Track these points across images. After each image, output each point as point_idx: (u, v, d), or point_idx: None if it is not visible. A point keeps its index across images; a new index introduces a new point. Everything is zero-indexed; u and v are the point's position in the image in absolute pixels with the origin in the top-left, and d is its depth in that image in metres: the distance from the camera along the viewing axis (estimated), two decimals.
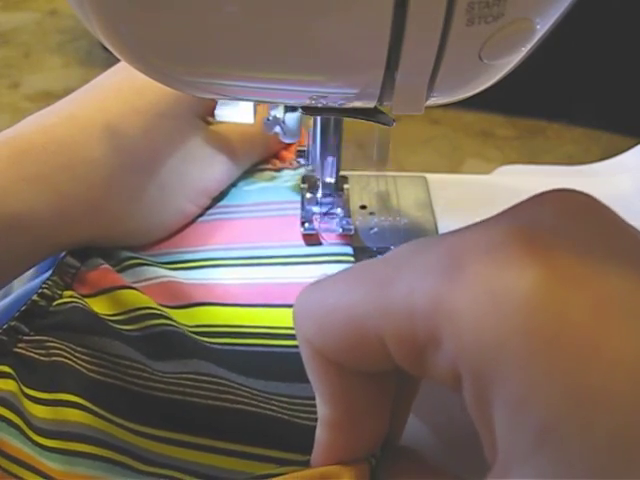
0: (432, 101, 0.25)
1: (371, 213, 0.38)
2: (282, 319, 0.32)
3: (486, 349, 0.15)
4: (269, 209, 0.38)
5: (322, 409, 0.21)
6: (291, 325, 0.31)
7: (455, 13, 0.20)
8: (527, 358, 0.14)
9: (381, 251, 0.35)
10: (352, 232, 0.35)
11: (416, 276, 0.17)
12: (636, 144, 0.44)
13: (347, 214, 0.37)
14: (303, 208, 0.37)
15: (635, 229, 0.17)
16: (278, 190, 0.39)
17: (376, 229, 0.37)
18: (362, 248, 0.35)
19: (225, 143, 0.36)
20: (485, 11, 0.20)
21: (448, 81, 0.24)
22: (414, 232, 0.37)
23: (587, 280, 0.15)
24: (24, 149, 0.30)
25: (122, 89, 0.34)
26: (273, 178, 0.40)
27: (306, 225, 0.35)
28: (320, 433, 0.21)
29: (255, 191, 0.39)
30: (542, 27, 0.22)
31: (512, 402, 0.15)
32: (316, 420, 0.23)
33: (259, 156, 0.40)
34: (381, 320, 0.17)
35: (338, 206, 0.36)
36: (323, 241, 0.35)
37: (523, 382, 0.14)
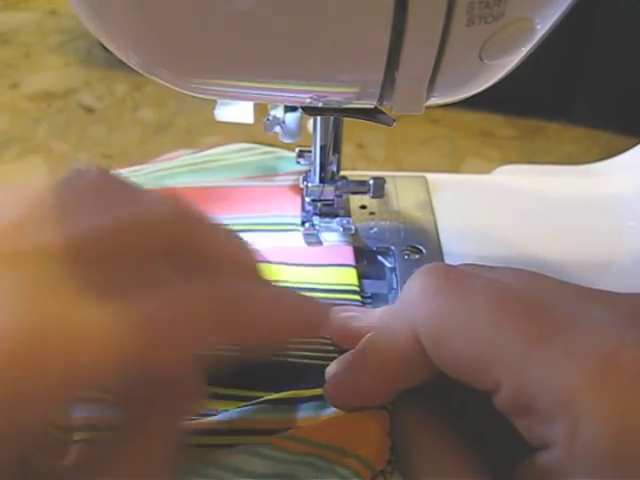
0: (432, 101, 0.25)
1: (371, 213, 0.38)
2: (274, 273, 0.32)
3: (596, 458, 0.17)
4: (269, 180, 0.38)
5: (384, 369, 0.23)
6: (284, 278, 0.32)
7: (455, 13, 0.20)
8: None
9: (381, 251, 0.35)
10: (352, 232, 0.35)
11: (563, 362, 0.18)
12: (636, 144, 0.43)
13: (347, 214, 0.37)
14: (303, 208, 0.37)
15: None
16: (280, 162, 0.39)
17: (376, 229, 0.37)
18: (362, 248, 0.35)
19: None
20: (485, 11, 0.20)
21: (448, 81, 0.24)
22: (414, 232, 0.37)
23: None
24: None
25: None
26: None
27: (306, 225, 0.35)
28: (365, 378, 0.23)
29: (255, 162, 0.39)
30: (542, 27, 0.22)
31: None
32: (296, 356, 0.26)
33: None
34: (511, 374, 0.19)
35: (338, 206, 0.36)
36: (324, 242, 0.35)
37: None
